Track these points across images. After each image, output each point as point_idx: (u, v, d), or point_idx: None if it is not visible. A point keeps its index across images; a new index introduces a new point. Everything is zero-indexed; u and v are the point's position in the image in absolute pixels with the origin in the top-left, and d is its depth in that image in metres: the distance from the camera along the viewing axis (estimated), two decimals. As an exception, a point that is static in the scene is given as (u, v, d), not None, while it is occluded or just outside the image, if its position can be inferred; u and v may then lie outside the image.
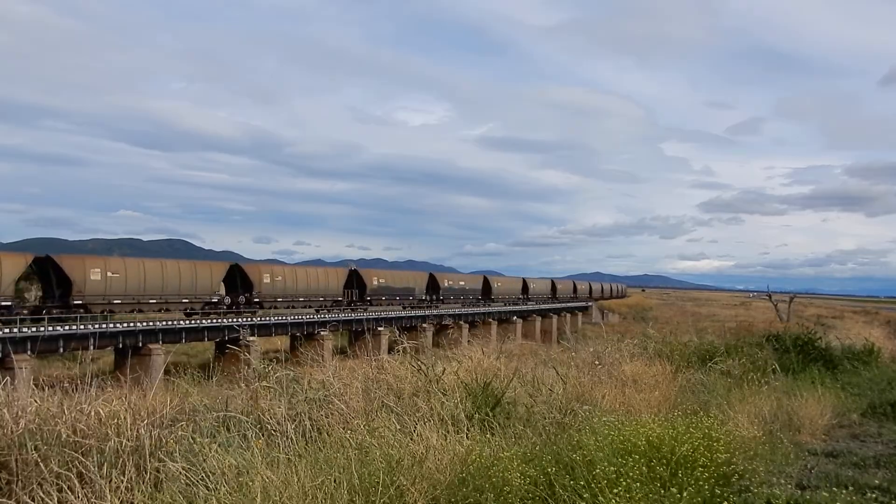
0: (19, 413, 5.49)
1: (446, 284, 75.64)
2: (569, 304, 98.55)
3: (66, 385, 6.76)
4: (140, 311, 43.66)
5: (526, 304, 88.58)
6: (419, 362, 8.60)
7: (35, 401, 5.83)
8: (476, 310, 74.10)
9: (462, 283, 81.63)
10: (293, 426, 6.45)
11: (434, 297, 72.77)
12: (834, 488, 6.01)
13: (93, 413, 5.73)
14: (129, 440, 5.45)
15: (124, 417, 5.70)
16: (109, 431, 5.51)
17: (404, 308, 65.46)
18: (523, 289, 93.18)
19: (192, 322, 43.34)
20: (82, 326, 37.01)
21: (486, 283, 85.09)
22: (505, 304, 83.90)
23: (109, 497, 4.82)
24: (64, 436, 5.36)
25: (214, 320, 44.81)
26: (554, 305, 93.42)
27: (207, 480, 5.00)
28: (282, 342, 47.03)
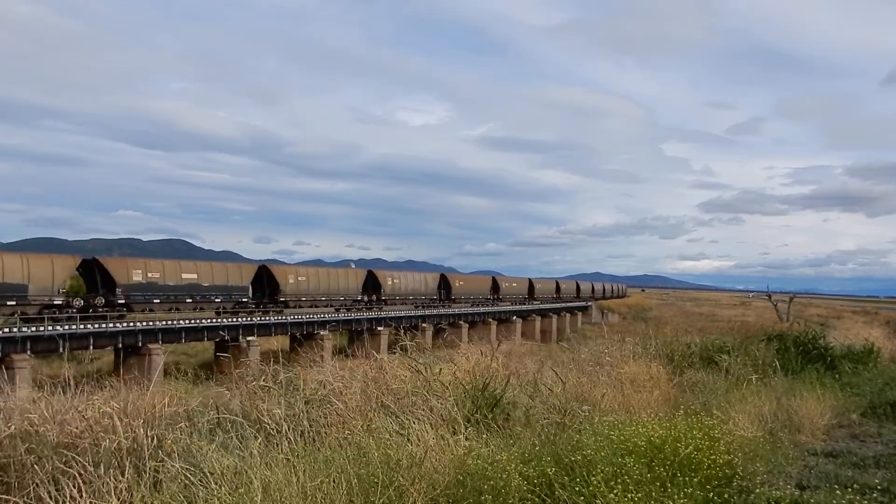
0: (13, 414, 5.47)
1: (457, 285, 76.48)
2: (569, 304, 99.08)
3: (56, 385, 6.74)
4: (177, 309, 45.57)
5: (532, 304, 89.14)
6: (416, 362, 8.58)
7: (27, 403, 5.81)
8: (477, 310, 74.35)
9: (472, 283, 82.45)
10: (292, 426, 6.44)
11: (446, 297, 73.60)
12: (836, 490, 5.99)
13: (87, 413, 5.71)
14: (125, 441, 5.44)
15: (118, 418, 5.69)
16: (104, 432, 5.49)
17: (417, 308, 66.05)
18: (529, 289, 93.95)
19: (192, 322, 43.42)
20: (82, 326, 37.02)
21: (495, 283, 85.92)
22: (512, 304, 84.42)
23: (109, 497, 4.81)
24: (57, 437, 5.34)
25: (214, 320, 44.93)
26: (556, 305, 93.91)
27: (207, 481, 4.99)
28: (278, 342, 47.10)
